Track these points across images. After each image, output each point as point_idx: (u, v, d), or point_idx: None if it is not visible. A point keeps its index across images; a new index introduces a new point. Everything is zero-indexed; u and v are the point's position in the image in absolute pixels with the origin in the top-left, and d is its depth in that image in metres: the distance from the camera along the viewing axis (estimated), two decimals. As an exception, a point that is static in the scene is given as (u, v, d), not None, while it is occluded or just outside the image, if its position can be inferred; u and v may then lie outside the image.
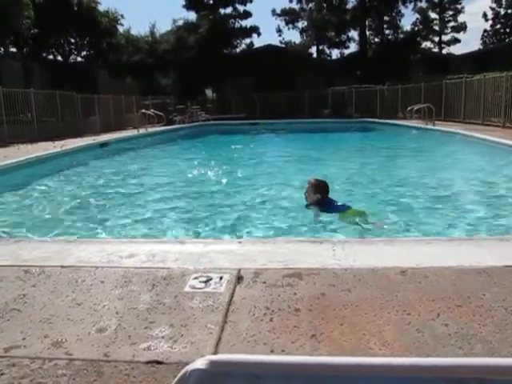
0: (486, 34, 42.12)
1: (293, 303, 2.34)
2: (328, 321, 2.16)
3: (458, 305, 2.27)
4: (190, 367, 0.94)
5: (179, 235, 4.52)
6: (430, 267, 2.74)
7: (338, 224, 4.67)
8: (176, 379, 0.87)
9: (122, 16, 26.13)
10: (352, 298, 2.39)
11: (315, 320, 2.17)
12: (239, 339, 2.03)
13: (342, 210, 4.81)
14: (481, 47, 40.64)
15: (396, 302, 2.32)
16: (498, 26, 41.13)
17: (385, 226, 4.59)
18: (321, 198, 4.91)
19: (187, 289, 2.51)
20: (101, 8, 24.60)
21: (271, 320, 2.18)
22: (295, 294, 2.44)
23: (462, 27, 39.43)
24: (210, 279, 2.58)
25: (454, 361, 0.93)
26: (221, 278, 2.60)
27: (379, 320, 2.16)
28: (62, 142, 12.84)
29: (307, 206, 5.03)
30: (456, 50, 41.13)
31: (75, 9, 21.43)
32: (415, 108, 17.26)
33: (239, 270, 2.73)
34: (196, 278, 2.62)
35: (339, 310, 2.27)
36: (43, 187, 7.37)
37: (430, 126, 15.87)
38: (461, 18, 39.24)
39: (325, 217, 4.81)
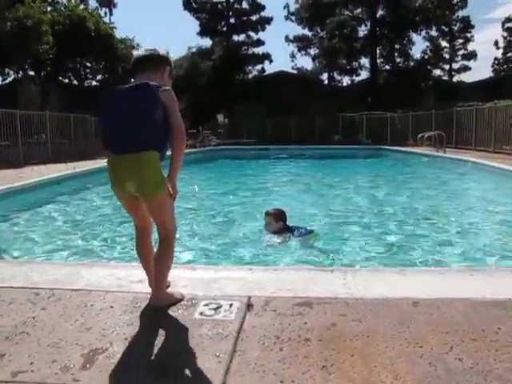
0: (497, 62, 42.38)
1: (303, 333, 2.31)
2: (339, 351, 2.13)
3: (473, 338, 2.22)
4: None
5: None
6: (442, 298, 2.70)
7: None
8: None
9: (137, 45, 26.74)
10: (363, 328, 2.35)
11: (326, 351, 2.14)
12: (248, 369, 2.00)
13: (306, 234, 5.08)
14: (492, 75, 40.83)
15: (408, 334, 2.28)
16: (510, 54, 41.36)
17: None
18: (283, 225, 5.19)
19: (197, 316, 2.49)
20: (117, 34, 25.27)
21: (281, 350, 2.15)
22: (306, 323, 2.41)
23: (472, 55, 39.79)
24: (220, 306, 2.56)
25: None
26: (231, 305, 2.57)
27: (391, 352, 2.12)
28: (74, 164, 13.01)
29: (275, 233, 5.15)
30: (466, 77, 41.34)
31: (92, 34, 21.97)
32: (426, 135, 17.29)
33: (249, 298, 2.70)
34: (206, 304, 2.60)
35: (350, 340, 2.23)
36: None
37: (441, 154, 15.85)
38: (471, 47, 39.72)
39: (292, 241, 4.97)
